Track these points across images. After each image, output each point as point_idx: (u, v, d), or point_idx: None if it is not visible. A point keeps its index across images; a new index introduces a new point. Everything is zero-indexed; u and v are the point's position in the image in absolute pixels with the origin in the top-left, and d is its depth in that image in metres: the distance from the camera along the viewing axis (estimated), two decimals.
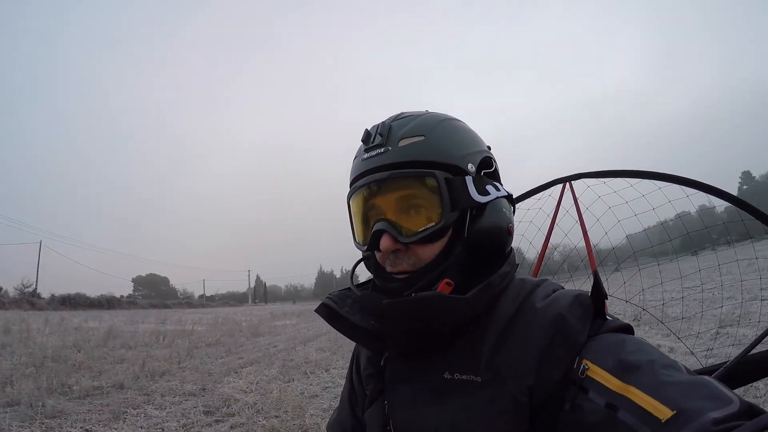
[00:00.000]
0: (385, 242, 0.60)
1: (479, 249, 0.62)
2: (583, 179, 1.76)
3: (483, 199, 0.62)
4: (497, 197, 0.64)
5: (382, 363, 0.68)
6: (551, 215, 1.89)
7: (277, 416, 4.19)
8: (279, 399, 4.73)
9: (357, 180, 0.65)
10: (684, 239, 1.88)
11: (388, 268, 0.63)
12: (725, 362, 1.14)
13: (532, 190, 1.92)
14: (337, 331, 0.65)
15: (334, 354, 8.12)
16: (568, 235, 1.79)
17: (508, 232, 0.65)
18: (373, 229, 0.62)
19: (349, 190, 0.68)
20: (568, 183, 1.85)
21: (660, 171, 1.54)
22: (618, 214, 1.67)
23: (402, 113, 0.67)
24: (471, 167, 0.63)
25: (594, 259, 1.64)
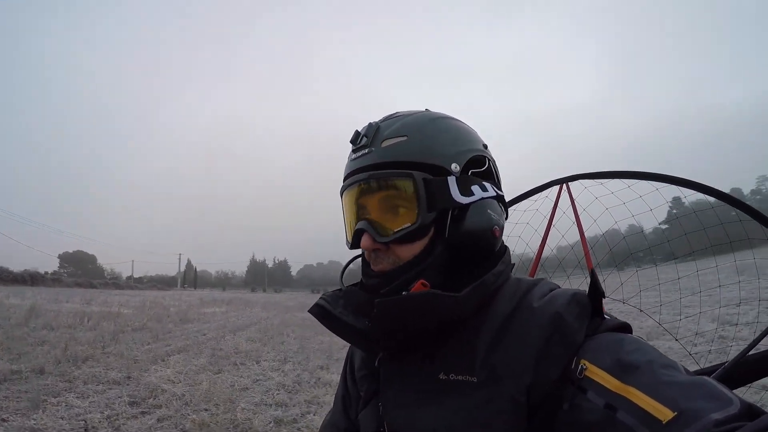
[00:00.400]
0: (364, 241, 0.62)
1: (461, 250, 0.62)
2: (580, 180, 1.77)
3: (465, 200, 0.61)
4: (482, 198, 0.63)
5: (376, 364, 0.67)
6: (548, 217, 1.89)
7: (206, 409, 4.03)
8: (209, 391, 4.56)
9: (345, 180, 0.67)
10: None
11: (372, 266, 0.64)
12: (723, 363, 1.19)
13: (528, 191, 1.91)
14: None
15: (265, 345, 7.96)
16: (564, 237, 1.80)
17: (493, 234, 0.63)
18: (355, 228, 0.63)
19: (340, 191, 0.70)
20: (565, 184, 1.86)
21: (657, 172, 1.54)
22: (615, 216, 1.71)
23: (395, 113, 0.67)
24: (455, 167, 0.62)
25: (591, 260, 1.67)
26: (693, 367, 1.28)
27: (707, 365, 1.29)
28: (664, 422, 0.40)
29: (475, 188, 0.63)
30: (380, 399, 0.64)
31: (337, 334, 0.65)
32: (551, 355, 0.52)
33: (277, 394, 4.75)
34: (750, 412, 0.38)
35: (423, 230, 0.60)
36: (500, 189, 0.68)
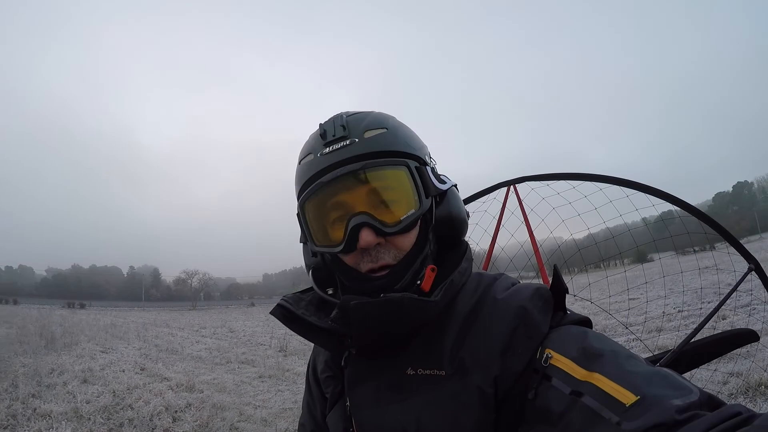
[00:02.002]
0: (367, 236, 0.57)
1: (444, 236, 0.64)
2: (527, 182, 1.82)
3: (443, 187, 0.64)
4: (451, 186, 0.66)
5: (342, 363, 0.66)
6: (497, 217, 1.91)
7: None
8: None
9: (319, 176, 0.60)
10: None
11: (367, 266, 0.60)
12: (671, 350, 1.22)
13: (477, 193, 1.96)
14: None
15: None
16: (514, 236, 1.82)
17: (466, 220, 0.67)
18: (351, 225, 0.58)
19: (305, 192, 0.62)
20: (512, 186, 1.90)
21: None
22: (562, 215, 1.75)
23: (347, 111, 0.66)
24: (428, 158, 0.66)
25: (541, 258, 1.69)
26: (643, 354, 1.30)
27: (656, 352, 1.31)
28: (627, 405, 0.41)
29: (444, 177, 0.66)
30: (347, 398, 0.63)
31: (301, 335, 0.62)
32: (517, 347, 0.52)
33: None
34: (710, 401, 0.40)
35: (418, 219, 0.61)
36: None
